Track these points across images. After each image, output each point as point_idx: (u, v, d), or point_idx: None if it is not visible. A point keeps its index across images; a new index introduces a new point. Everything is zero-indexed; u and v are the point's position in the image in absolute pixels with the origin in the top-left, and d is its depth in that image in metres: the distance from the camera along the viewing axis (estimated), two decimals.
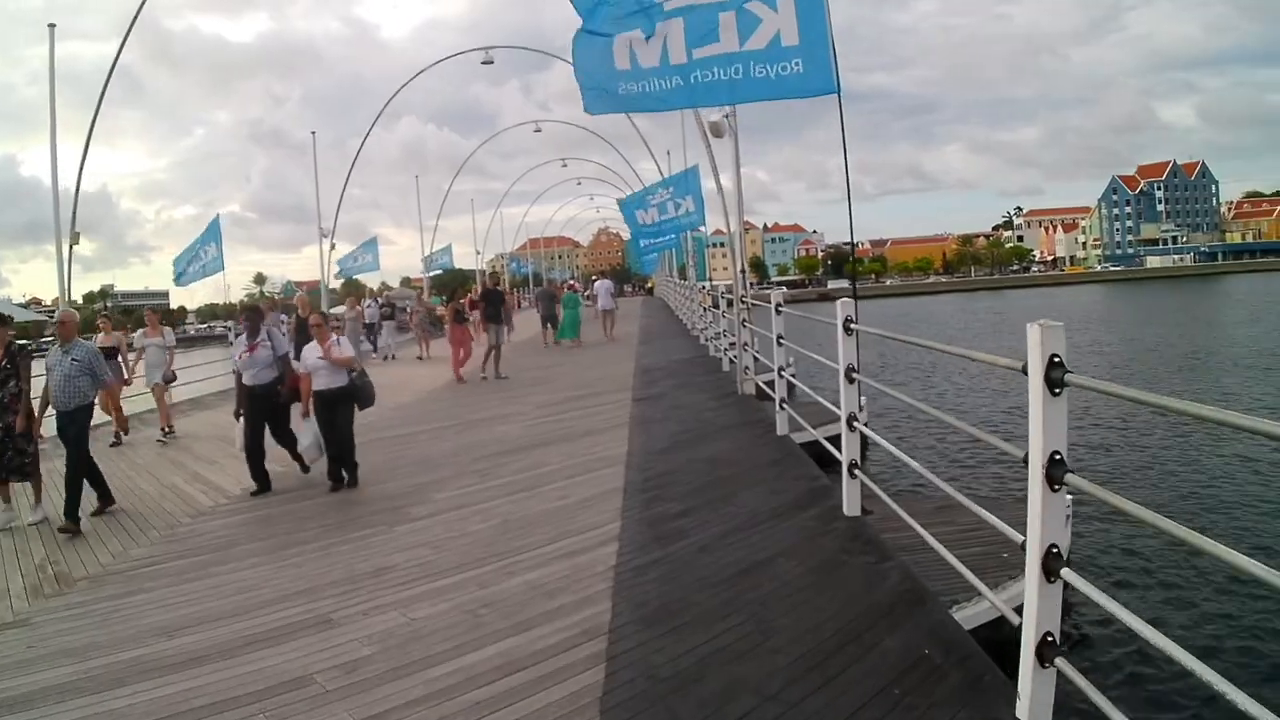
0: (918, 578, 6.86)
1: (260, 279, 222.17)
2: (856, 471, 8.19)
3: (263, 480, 11.93)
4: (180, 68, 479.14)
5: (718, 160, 17.61)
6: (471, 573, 7.79)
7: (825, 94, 10.48)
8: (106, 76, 21.90)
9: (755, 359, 16.70)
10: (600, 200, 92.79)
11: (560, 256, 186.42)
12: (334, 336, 11.86)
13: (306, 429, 11.98)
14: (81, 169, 21.92)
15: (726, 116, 16.10)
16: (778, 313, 12.18)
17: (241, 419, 12.16)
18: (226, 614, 7.31)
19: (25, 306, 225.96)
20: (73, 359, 11.32)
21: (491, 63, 40.02)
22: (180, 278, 28.38)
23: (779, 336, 12.16)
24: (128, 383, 17.91)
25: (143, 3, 21.96)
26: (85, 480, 11.12)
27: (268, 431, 12.17)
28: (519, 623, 6.51)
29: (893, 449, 7.49)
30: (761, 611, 6.39)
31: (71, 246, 21.06)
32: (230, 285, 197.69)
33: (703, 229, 39.73)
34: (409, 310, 37.41)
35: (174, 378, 18.91)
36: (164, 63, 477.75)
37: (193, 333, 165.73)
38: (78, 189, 21.76)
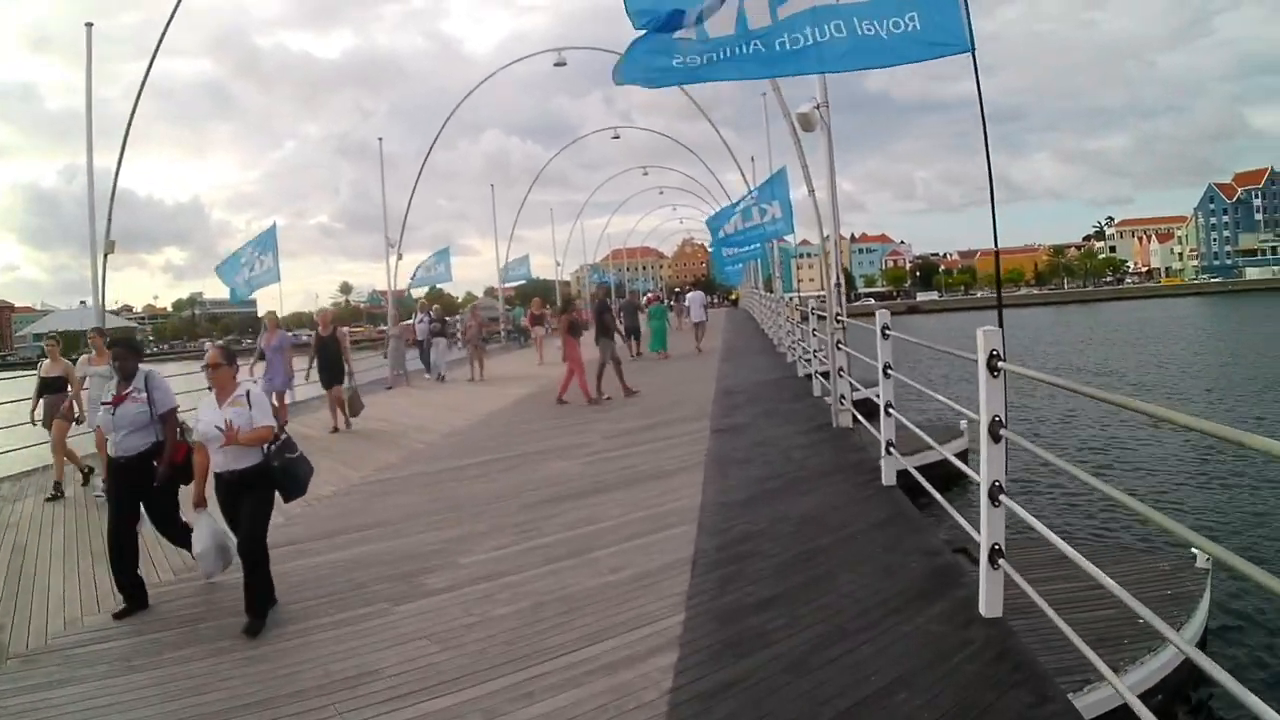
0: None
1: (346, 288, 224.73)
2: (1001, 562, 6.08)
3: (135, 594, 8.10)
4: (270, 83, 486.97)
5: (808, 162, 15.61)
6: (478, 689, 5.80)
7: (951, 54, 8.57)
8: (138, 92, 20.26)
9: (852, 386, 14.47)
10: (683, 211, 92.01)
11: (644, 267, 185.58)
12: (245, 384, 7.85)
13: (202, 525, 8.22)
14: (116, 177, 20.85)
15: (817, 107, 13.94)
16: (884, 336, 9.99)
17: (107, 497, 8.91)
18: None
19: (116, 313, 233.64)
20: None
21: (564, 64, 38.63)
22: (234, 292, 27.06)
23: (886, 366, 9.98)
24: (78, 419, 14.33)
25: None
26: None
27: (145, 520, 8.54)
28: None
29: (1046, 532, 5.50)
30: None
31: (106, 256, 19.85)
32: (318, 294, 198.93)
33: (789, 238, 38.62)
34: (461, 326, 33.82)
35: None
36: (254, 78, 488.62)
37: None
38: (113, 198, 20.46)
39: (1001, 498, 5.95)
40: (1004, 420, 5.92)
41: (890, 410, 10.06)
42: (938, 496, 8.35)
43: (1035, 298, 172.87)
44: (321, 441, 17.18)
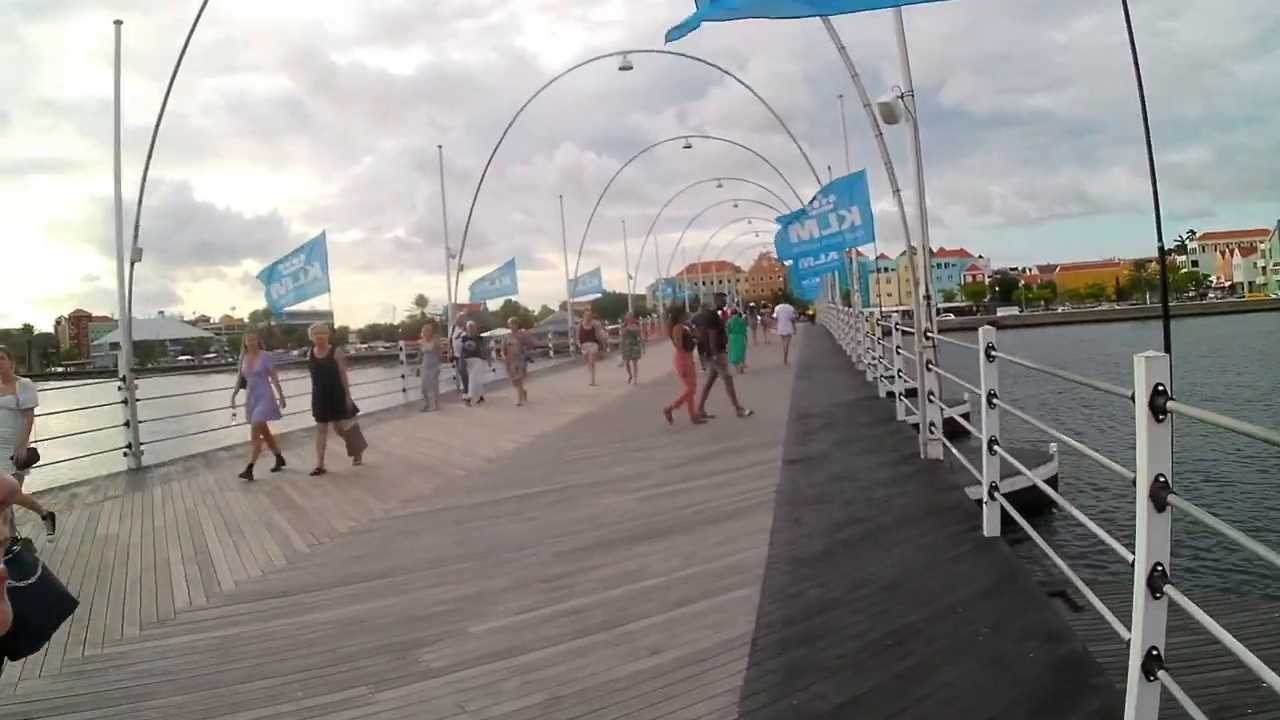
0: None
1: (422, 301, 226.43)
2: (1161, 674, 4.39)
3: None
4: (346, 99, 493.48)
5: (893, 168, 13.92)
6: None
7: None
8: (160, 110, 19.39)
9: (942, 411, 12.72)
10: (759, 224, 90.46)
11: (720, 281, 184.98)
12: None
13: None
14: (143, 185, 20.70)
15: (900, 96, 12.39)
16: (989, 359, 8.31)
17: None
18: None
19: (193, 323, 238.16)
20: None
21: (630, 67, 38.07)
22: (277, 304, 25.69)
23: (990, 394, 8.32)
24: None
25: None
26: None
27: None
28: None
29: (1236, 645, 3.84)
30: None
31: (133, 264, 19.41)
32: (395, 307, 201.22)
33: (867, 249, 37.16)
34: (500, 344, 30.37)
35: (32, 458, 11.75)
36: (330, 94, 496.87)
37: (352, 352, 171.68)
38: (139, 206, 20.32)
39: (1167, 589, 4.33)
40: (1170, 483, 4.32)
41: (996, 447, 8.42)
42: (1072, 578, 6.73)
43: (1117, 313, 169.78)
44: (343, 471, 15.89)
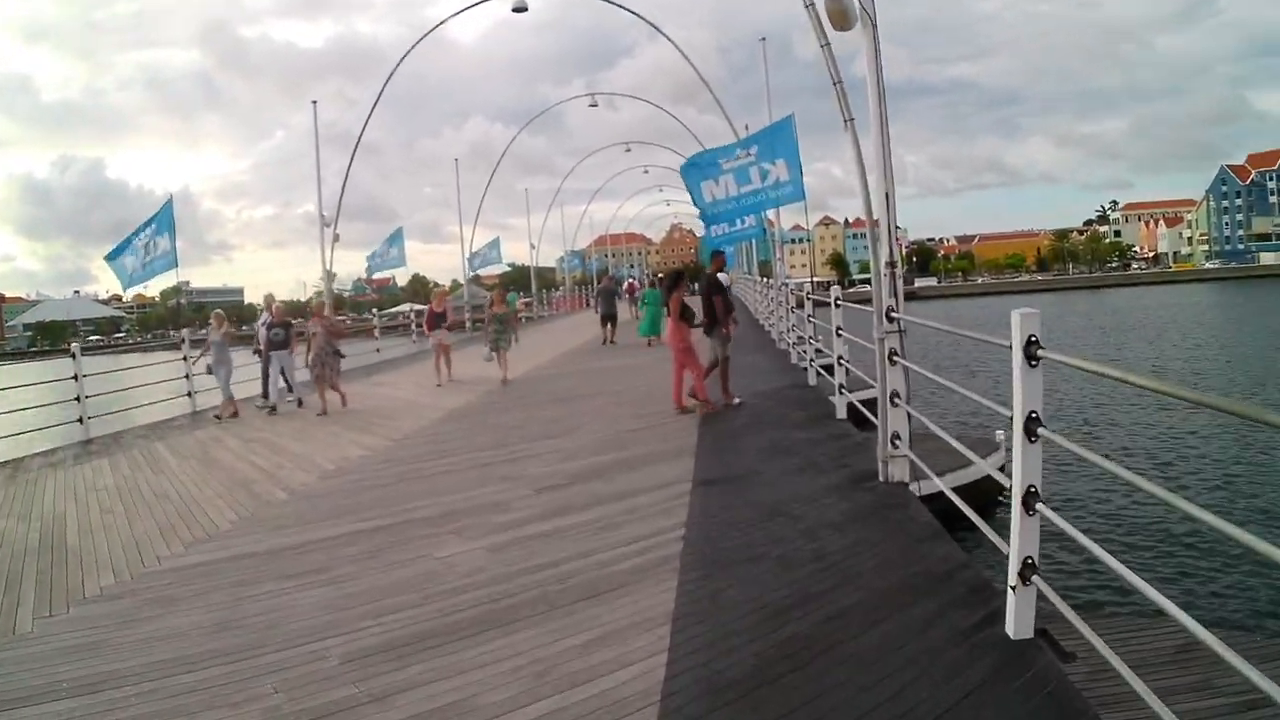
0: None
1: (330, 276, 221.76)
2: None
3: None
4: (256, 72, 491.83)
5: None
6: None
7: None
8: None
9: (909, 419, 9.62)
10: (670, 192, 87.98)
11: (631, 254, 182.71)
12: None
13: None
14: None
15: None
16: (1031, 364, 5.25)
17: None
18: None
19: (105, 302, 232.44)
20: None
21: (525, 9, 34.02)
22: (128, 279, 22.57)
23: (1031, 422, 5.28)
24: None
25: None
26: None
27: None
28: None
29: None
30: None
31: None
32: (306, 283, 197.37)
33: (772, 217, 33.99)
34: (306, 333, 20.71)
35: None
36: (240, 68, 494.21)
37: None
38: None
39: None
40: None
41: (1037, 508, 5.35)
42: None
43: (1039, 283, 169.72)
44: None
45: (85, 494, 12.70)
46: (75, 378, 18.55)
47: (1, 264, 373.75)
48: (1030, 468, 5.28)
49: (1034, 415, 5.18)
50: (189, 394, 21.71)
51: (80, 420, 18.45)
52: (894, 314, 9.42)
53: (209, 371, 19.63)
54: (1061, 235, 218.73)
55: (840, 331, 13.55)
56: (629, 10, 33.25)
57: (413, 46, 35.12)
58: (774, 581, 6.91)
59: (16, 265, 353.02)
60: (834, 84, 9.89)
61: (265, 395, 20.74)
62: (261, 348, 20.81)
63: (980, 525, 6.57)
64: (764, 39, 33.84)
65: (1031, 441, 5.22)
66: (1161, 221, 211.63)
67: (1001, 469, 14.58)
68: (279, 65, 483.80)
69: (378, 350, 33.26)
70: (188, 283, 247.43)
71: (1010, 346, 5.26)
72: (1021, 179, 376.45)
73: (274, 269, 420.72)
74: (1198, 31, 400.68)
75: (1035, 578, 5.36)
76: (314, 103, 32.84)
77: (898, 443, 9.52)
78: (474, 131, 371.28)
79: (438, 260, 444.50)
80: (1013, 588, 5.50)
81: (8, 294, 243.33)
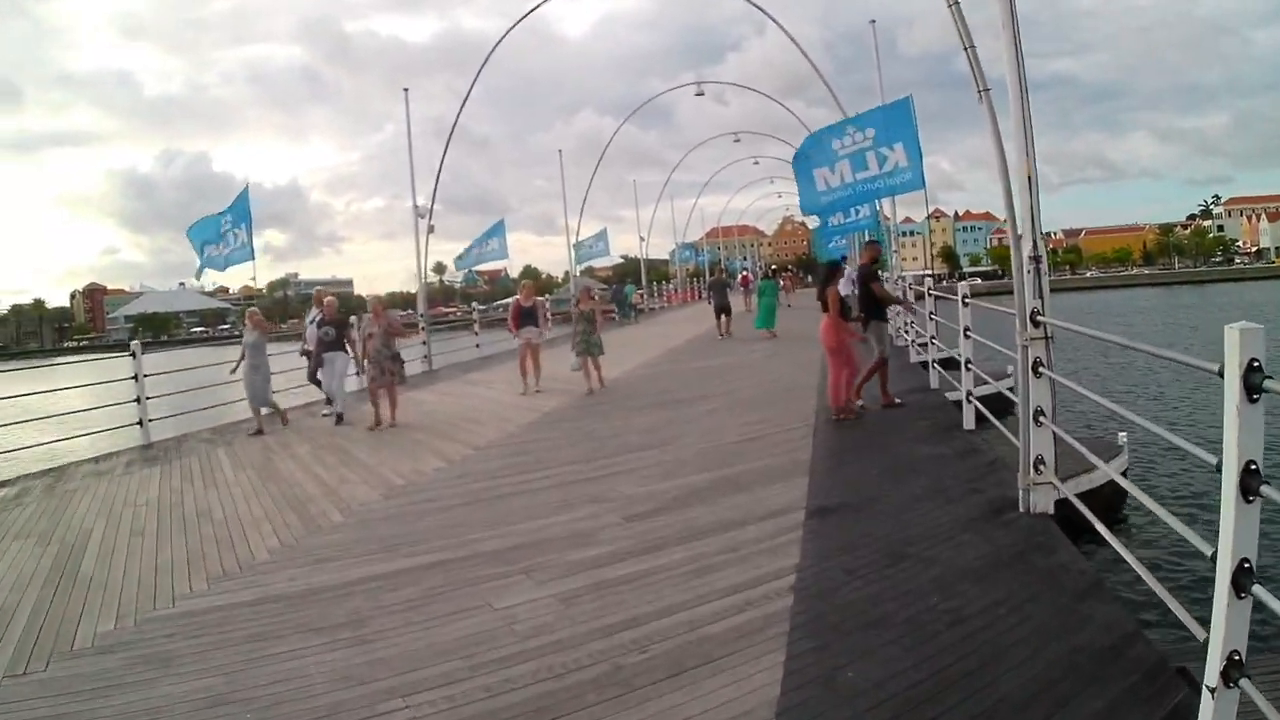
0: None
1: (440, 268, 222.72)
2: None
3: None
4: (361, 67, 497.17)
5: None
6: None
7: None
8: None
9: (1056, 441, 8.04)
10: (781, 184, 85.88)
11: (744, 246, 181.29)
12: None
13: None
14: None
15: None
16: (1251, 397, 3.93)
17: None
18: None
19: (212, 294, 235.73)
20: None
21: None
22: (201, 271, 22.21)
23: (1248, 472, 4.04)
24: None
25: None
26: None
27: None
28: None
29: None
30: None
31: None
32: (415, 274, 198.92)
33: (887, 210, 32.24)
34: (361, 332, 17.63)
35: None
36: (345, 63, 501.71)
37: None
38: None
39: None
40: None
41: (1252, 590, 4.09)
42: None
43: (1145, 278, 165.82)
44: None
45: (120, 510, 11.57)
46: (135, 378, 17.42)
47: (105, 257, 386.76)
48: (1245, 536, 3.95)
49: (1253, 467, 3.85)
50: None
51: (140, 423, 17.37)
52: (1040, 318, 7.82)
53: (233, 373, 17.43)
54: (1166, 230, 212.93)
55: (969, 332, 11.93)
56: None
57: (505, 34, 33.80)
58: (904, 657, 5.36)
59: (120, 257, 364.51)
60: (965, 48, 8.40)
61: (329, 401, 18.48)
62: (310, 348, 18.83)
63: (1154, 585, 5.11)
64: (874, 21, 32.04)
65: (1249, 501, 3.90)
66: (1264, 216, 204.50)
67: (1124, 474, 12.90)
68: (384, 59, 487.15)
69: (477, 345, 31.95)
70: (296, 274, 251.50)
71: (1219, 372, 3.96)
72: (1124, 174, 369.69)
73: (383, 260, 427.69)
74: None
75: (1244, 681, 4.01)
76: (405, 90, 31.51)
77: (1042, 468, 7.91)
78: (584, 125, 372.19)
79: (550, 253, 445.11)
80: (1212, 689, 4.12)
81: (110, 286, 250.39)
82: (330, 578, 7.92)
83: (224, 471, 13.69)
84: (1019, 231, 7.94)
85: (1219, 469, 3.97)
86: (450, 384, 23.76)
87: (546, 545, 8.22)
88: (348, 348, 17.54)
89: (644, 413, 15.71)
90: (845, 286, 31.19)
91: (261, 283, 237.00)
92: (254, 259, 21.14)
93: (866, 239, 16.69)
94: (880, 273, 14.83)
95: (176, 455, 15.55)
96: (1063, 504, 7.85)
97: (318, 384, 18.71)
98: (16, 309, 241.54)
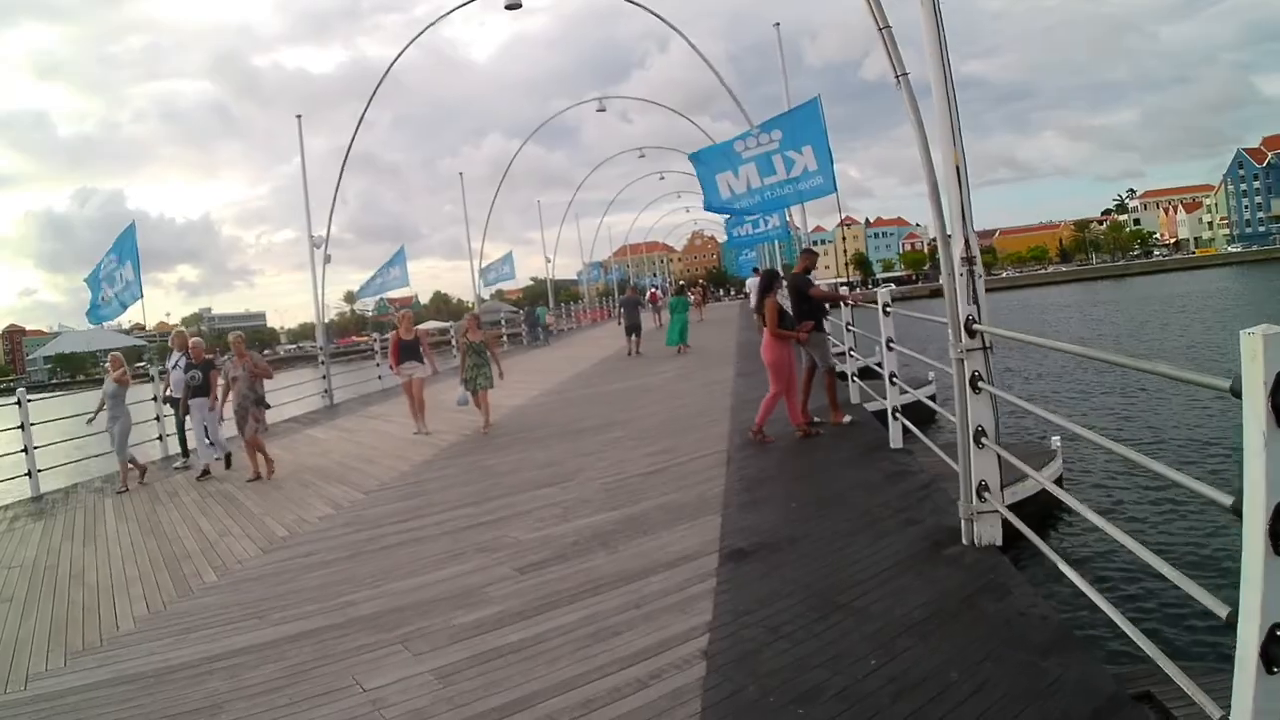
0: None
1: (350, 297, 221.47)
2: None
3: None
4: (270, 100, 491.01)
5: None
6: None
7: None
8: None
9: (1000, 461, 7.23)
10: (688, 199, 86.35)
11: (654, 262, 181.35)
12: None
13: None
14: None
15: None
16: None
17: None
18: None
19: (128, 332, 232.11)
20: None
21: (519, 6, 32.07)
22: (95, 312, 20.66)
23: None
24: None
25: None
26: None
27: None
28: None
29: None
30: None
31: None
32: (328, 305, 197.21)
33: (797, 226, 31.98)
34: (226, 377, 15.47)
35: None
36: (254, 97, 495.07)
37: (282, 353, 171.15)
38: None
39: None
40: None
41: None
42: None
43: (1064, 275, 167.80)
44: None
45: None
46: (22, 426, 16.20)
47: (24, 298, 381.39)
48: (1277, 597, 3.08)
49: None
50: (159, 437, 19.21)
51: (29, 474, 16.17)
52: (976, 325, 7.08)
53: (90, 423, 15.92)
54: (1081, 225, 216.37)
55: (892, 344, 11.28)
56: (648, 10, 31.02)
57: (399, 55, 33.53)
58: None
59: (38, 298, 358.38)
60: (880, 29, 7.69)
61: (185, 454, 17.04)
62: (173, 394, 17.07)
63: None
64: (778, 24, 31.49)
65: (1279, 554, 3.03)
66: (1180, 208, 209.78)
67: (1058, 482, 13.54)
68: (292, 92, 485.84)
69: (379, 377, 30.51)
70: (209, 309, 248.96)
71: (1232, 390, 3.16)
72: (1036, 173, 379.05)
73: (296, 292, 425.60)
74: (1200, 20, 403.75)
75: None
76: (298, 117, 29.97)
77: (986, 494, 7.17)
78: (492, 148, 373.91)
79: (461, 277, 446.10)
80: None
81: (29, 327, 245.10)
82: (191, 652, 7.04)
83: (107, 524, 12.75)
84: (948, 230, 7.21)
85: (1235, 511, 3.21)
86: (350, 418, 22.73)
87: (429, 606, 7.36)
88: (215, 391, 15.75)
89: (544, 445, 14.83)
90: (756, 298, 31.18)
91: (176, 318, 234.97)
92: (142, 297, 20.01)
93: (803, 248, 16.02)
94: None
95: (64, 508, 14.55)
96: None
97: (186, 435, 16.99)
98: None
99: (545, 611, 6.90)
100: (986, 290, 7.37)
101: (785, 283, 13.85)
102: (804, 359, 13.87)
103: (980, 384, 7.06)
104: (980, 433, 7.11)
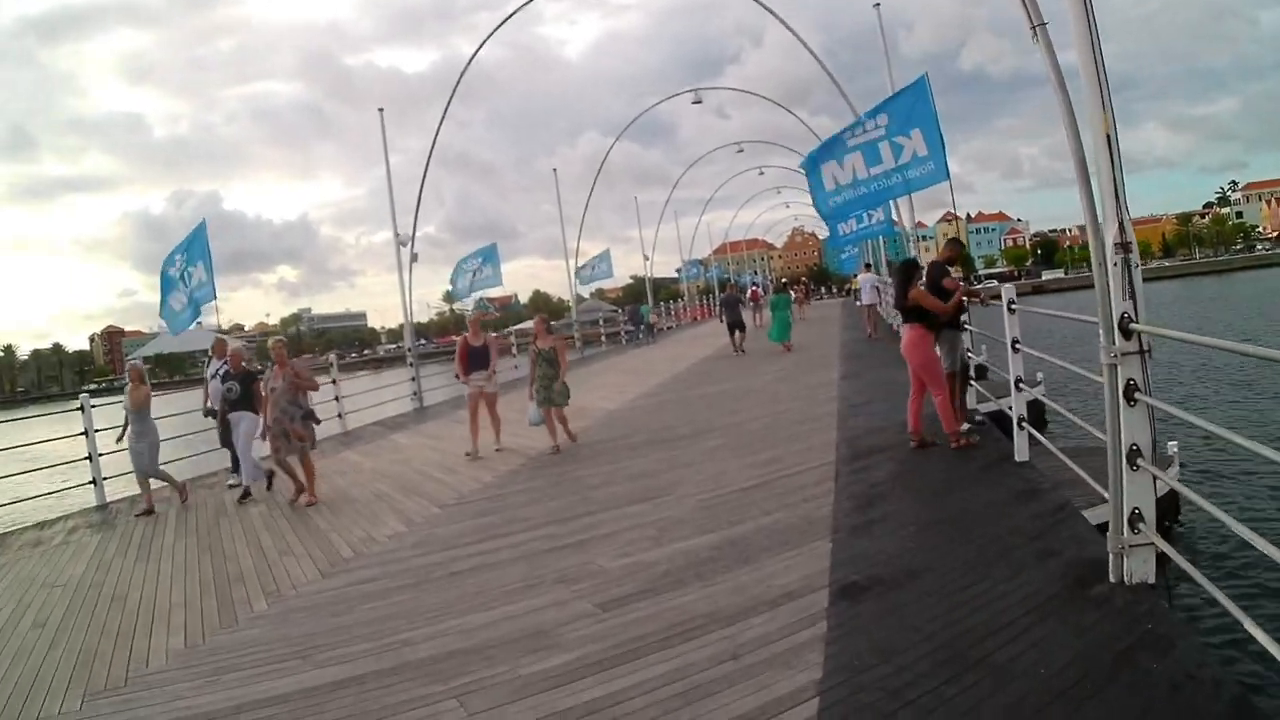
0: None
1: (449, 297, 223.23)
2: None
3: None
4: (362, 100, 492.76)
5: None
6: None
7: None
8: None
9: (1156, 484, 6.05)
10: (789, 194, 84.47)
11: (754, 260, 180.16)
12: None
13: None
14: None
15: None
16: None
17: None
18: None
19: (227, 332, 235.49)
20: None
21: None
22: (173, 323, 19.91)
23: None
24: None
25: None
26: None
27: None
28: None
29: None
30: None
31: None
32: (427, 304, 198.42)
33: (897, 221, 30.15)
34: (265, 386, 13.88)
35: None
36: (346, 97, 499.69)
37: (381, 354, 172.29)
38: None
39: None
40: None
41: None
42: None
43: (1167, 270, 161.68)
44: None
45: (33, 594, 10.01)
46: (85, 433, 15.55)
47: (123, 299, 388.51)
48: None
49: None
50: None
51: (94, 482, 15.52)
52: (1133, 325, 5.92)
53: (118, 441, 14.50)
54: (1184, 219, 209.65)
55: (1018, 345, 10.05)
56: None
57: (478, 49, 32.04)
58: None
59: (137, 299, 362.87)
60: None
61: (235, 469, 15.47)
62: (213, 406, 15.81)
63: None
64: (878, 3, 30.11)
65: None
66: None
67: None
68: (386, 92, 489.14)
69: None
70: (309, 309, 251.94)
71: None
72: (1139, 165, 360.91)
73: (395, 292, 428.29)
74: None
75: None
76: (380, 110, 28.83)
77: (1140, 525, 6.00)
78: (588, 146, 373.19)
79: (561, 276, 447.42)
80: None
81: (129, 328, 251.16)
82: (219, 698, 6.22)
83: (165, 538, 12.06)
84: (1099, 215, 6.02)
85: None
86: (437, 423, 22.05)
87: (494, 651, 6.40)
88: (258, 406, 14.14)
89: (637, 454, 13.77)
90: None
91: (275, 319, 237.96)
92: (215, 299, 19.24)
93: (949, 238, 14.98)
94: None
95: (125, 519, 13.87)
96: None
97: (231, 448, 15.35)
98: (36, 354, 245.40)
99: (627, 661, 5.91)
100: (1085, 287, 6.27)
101: (924, 272, 11.99)
102: (945, 358, 11.98)
103: (1137, 394, 5.88)
104: (1135, 452, 5.93)
